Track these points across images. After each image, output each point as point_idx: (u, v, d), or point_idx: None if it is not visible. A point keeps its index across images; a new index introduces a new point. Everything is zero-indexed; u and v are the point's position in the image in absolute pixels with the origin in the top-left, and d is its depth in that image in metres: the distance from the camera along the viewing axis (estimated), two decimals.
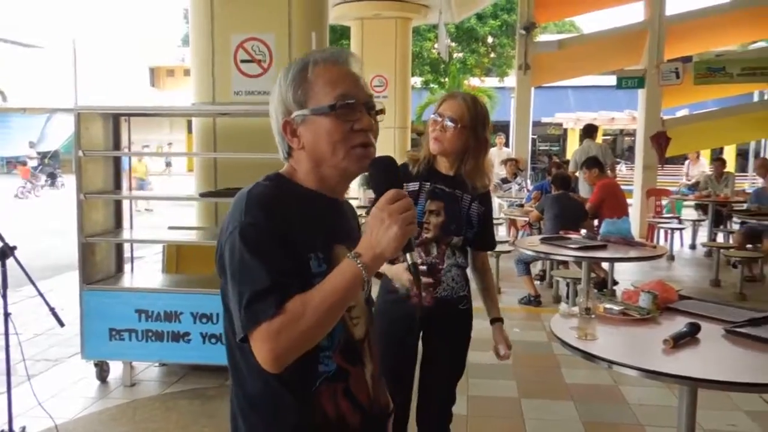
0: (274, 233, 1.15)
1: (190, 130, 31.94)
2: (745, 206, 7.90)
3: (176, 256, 4.64)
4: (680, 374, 2.06)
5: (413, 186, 2.32)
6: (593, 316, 2.44)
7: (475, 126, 2.29)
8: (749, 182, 16.03)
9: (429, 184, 2.32)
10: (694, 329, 2.30)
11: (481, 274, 2.58)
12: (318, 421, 1.23)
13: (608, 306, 2.64)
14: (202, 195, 4.11)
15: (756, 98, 14.27)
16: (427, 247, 2.34)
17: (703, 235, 9.15)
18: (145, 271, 5.64)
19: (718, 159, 9.92)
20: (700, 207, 9.58)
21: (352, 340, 1.28)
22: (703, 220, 9.14)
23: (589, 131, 8.61)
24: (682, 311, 2.63)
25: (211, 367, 4.10)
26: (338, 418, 1.25)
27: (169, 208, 12.15)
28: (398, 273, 2.21)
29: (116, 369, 4.18)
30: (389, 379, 2.34)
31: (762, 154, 14.58)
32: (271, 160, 1.48)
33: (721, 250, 7.18)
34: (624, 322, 2.53)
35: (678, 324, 2.37)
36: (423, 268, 2.31)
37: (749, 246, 7.37)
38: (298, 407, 1.22)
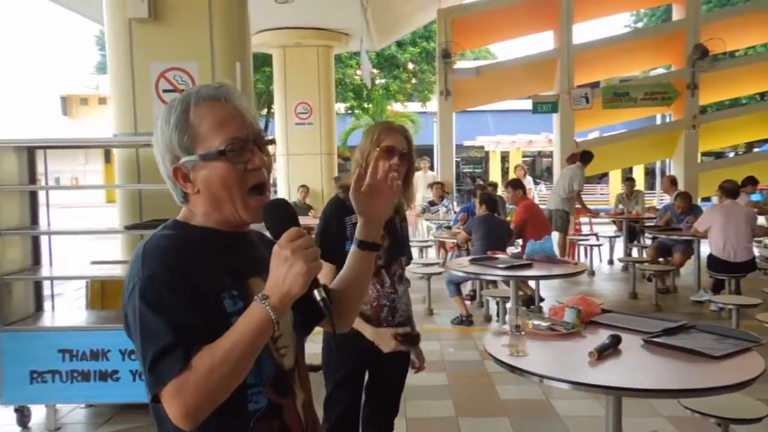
0: (175, 285, 1.11)
1: (107, 160, 30.80)
2: (654, 222, 8.40)
3: (100, 292, 4.47)
4: (606, 384, 2.18)
5: (357, 217, 2.34)
6: (523, 333, 2.55)
7: (413, 153, 2.42)
8: (657, 199, 17.06)
9: None
10: (616, 341, 2.44)
11: None
12: None
13: (536, 322, 2.76)
14: (128, 228, 4.00)
15: (659, 121, 15.29)
16: (380, 276, 2.41)
17: (619, 251, 9.63)
18: (67, 309, 5.38)
19: (628, 179, 10.52)
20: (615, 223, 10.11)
21: (282, 371, 1.25)
22: (619, 236, 9.64)
23: (581, 156, 9.31)
24: (604, 324, 2.78)
25: (142, 406, 3.94)
26: None
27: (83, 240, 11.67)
28: (381, 337, 2.32)
29: (39, 413, 3.96)
30: (342, 407, 2.40)
31: (668, 173, 15.57)
32: None
33: (636, 265, 7.59)
34: (552, 337, 2.65)
35: (601, 336, 2.51)
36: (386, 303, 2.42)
37: (661, 259, 7.83)
38: None
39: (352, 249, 1.47)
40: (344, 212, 2.36)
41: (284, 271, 1.09)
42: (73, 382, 3.77)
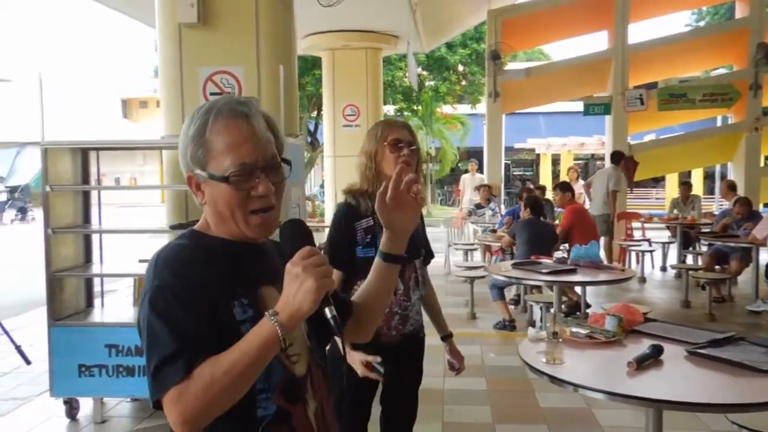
0: (183, 294, 1.14)
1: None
2: (710, 228, 8.06)
3: None
4: (643, 396, 2.10)
5: (367, 222, 2.31)
6: (560, 340, 2.49)
7: (419, 147, 2.38)
8: (716, 204, 16.41)
9: None
10: (657, 351, 2.36)
11: (425, 290, 2.57)
12: None
13: (575, 330, 2.69)
14: (173, 227, 4.10)
15: (719, 123, 14.70)
16: None
17: (673, 257, 9.31)
18: (117, 306, 5.57)
19: (684, 183, 10.16)
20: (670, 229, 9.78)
21: (293, 378, 1.26)
22: (673, 243, 9.32)
23: (614, 157, 9.39)
24: (647, 333, 2.69)
25: None
26: None
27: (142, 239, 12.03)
28: (353, 359, 2.17)
29: (86, 406, 4.10)
30: (349, 412, 2.35)
31: (728, 177, 14.93)
32: None
33: (690, 272, 7.31)
34: (590, 346, 2.58)
35: (643, 346, 2.42)
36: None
37: (717, 267, 7.53)
38: None
39: (376, 261, 1.45)
40: (354, 217, 2.33)
41: (295, 288, 1.10)
42: (118, 377, 3.89)
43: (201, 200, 1.25)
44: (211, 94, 4.41)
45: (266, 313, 1.11)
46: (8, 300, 7.97)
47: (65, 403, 4.04)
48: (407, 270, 2.38)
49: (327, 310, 1.15)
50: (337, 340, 1.18)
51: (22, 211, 22.31)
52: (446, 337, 2.61)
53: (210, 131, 1.21)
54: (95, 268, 4.40)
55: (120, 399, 4.28)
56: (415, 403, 2.57)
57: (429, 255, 2.59)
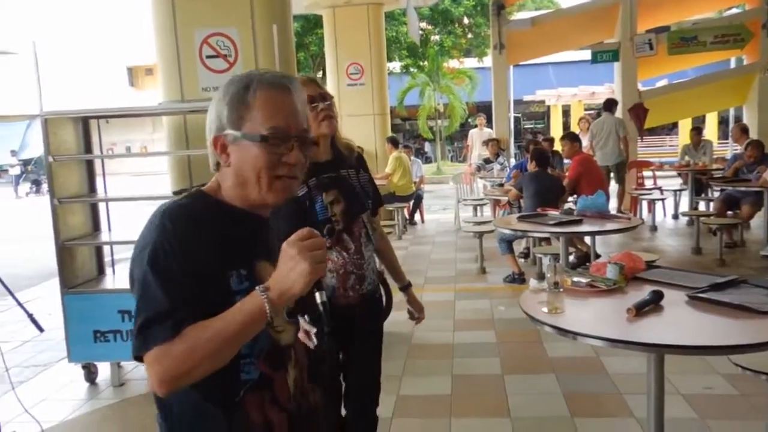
0: (183, 256, 1.14)
1: None
2: (722, 173, 7.97)
3: None
4: (642, 341, 2.12)
5: (302, 191, 2.13)
6: (561, 290, 2.49)
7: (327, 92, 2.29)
8: (730, 149, 16.14)
9: (314, 179, 2.17)
10: (657, 297, 2.36)
11: (378, 240, 2.45)
12: (246, 430, 1.24)
13: (576, 279, 2.69)
14: (176, 193, 4.12)
15: (733, 65, 14.33)
16: (342, 243, 2.23)
17: (685, 205, 9.23)
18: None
19: (694, 128, 10.00)
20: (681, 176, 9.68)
21: (278, 346, 1.28)
22: (684, 190, 9.22)
23: (608, 105, 9.46)
24: (649, 280, 2.69)
25: None
26: (265, 426, 1.26)
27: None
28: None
29: (105, 370, 4.21)
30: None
31: (743, 121, 14.58)
32: None
33: (701, 219, 7.25)
34: (591, 294, 2.59)
35: (644, 293, 2.42)
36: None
37: (729, 213, 7.46)
38: (224, 418, 1.22)
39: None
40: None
41: (288, 269, 1.10)
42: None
43: (225, 162, 1.25)
44: (207, 57, 4.38)
45: (257, 287, 1.12)
46: (27, 271, 8.12)
47: (84, 367, 4.15)
48: (356, 226, 2.26)
49: (317, 295, 1.15)
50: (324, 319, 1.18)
51: (36, 184, 22.53)
52: (405, 287, 2.53)
53: (251, 96, 1.23)
54: (104, 236, 4.46)
55: (136, 363, 4.38)
56: (378, 373, 2.45)
57: (376, 203, 2.43)
